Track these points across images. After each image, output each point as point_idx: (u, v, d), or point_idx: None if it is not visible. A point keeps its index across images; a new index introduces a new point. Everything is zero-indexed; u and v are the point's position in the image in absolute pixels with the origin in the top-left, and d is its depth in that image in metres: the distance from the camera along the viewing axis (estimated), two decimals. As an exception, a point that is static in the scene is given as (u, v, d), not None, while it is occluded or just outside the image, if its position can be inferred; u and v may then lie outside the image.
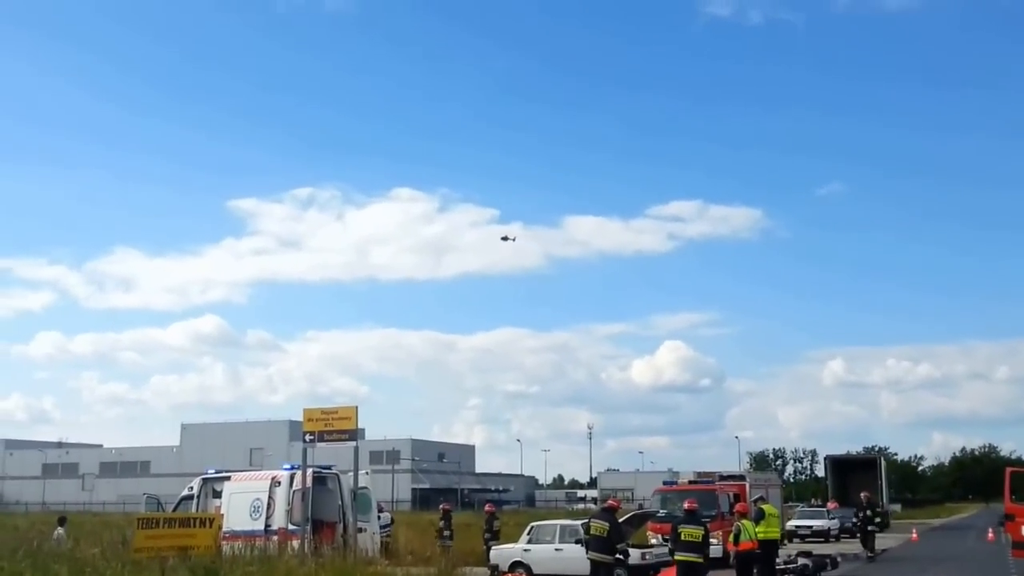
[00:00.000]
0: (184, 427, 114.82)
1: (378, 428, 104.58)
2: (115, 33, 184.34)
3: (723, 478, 31.94)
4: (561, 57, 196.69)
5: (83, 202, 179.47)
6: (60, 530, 24.42)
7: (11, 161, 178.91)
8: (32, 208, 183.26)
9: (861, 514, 32.55)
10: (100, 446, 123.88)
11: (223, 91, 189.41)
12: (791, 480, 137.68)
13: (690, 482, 31.87)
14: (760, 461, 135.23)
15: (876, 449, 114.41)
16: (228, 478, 24.41)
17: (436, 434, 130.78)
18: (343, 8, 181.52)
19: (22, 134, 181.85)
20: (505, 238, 74.29)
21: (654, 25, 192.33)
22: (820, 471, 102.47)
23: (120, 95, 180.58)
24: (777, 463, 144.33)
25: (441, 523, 29.35)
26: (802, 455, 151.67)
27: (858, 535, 33.54)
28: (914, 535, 42.42)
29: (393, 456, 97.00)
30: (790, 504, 61.39)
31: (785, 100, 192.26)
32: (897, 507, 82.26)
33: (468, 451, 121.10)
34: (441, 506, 31.67)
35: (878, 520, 34.42)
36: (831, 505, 46.80)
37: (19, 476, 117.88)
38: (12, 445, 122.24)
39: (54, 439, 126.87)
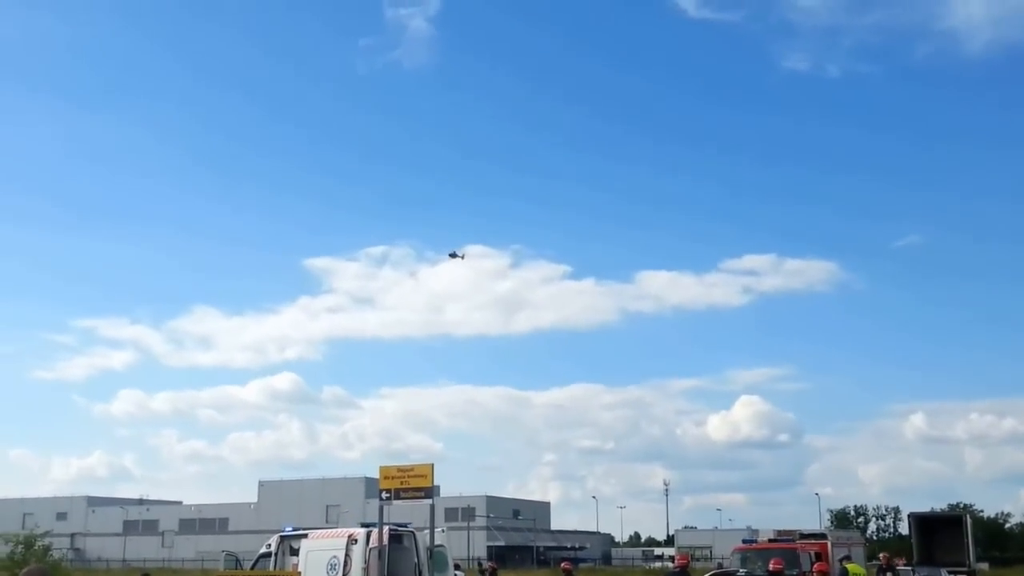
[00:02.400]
0: (261, 484, 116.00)
1: (453, 485, 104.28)
2: (195, 91, 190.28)
3: (804, 536, 31.26)
4: (630, 112, 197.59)
5: (163, 262, 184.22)
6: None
7: (94, 223, 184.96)
8: (114, 269, 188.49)
9: None
10: (179, 503, 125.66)
11: (298, 151, 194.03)
12: (874, 538, 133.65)
13: (770, 540, 31.27)
14: (841, 519, 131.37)
15: (961, 506, 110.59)
16: (305, 535, 24.58)
17: (511, 491, 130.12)
18: (421, 68, 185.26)
19: (105, 195, 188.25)
20: (454, 255, 69.85)
21: (729, 79, 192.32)
22: (904, 529, 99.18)
23: (200, 154, 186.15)
24: (859, 521, 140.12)
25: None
26: (884, 512, 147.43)
27: None
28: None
29: (468, 513, 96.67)
30: (873, 563, 59.45)
31: (861, 152, 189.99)
32: (985, 566, 79.39)
33: (543, 508, 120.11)
34: (487, 564, 31.40)
35: None
36: (899, 562, 45.33)
37: (101, 533, 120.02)
38: (94, 502, 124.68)
39: (135, 496, 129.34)
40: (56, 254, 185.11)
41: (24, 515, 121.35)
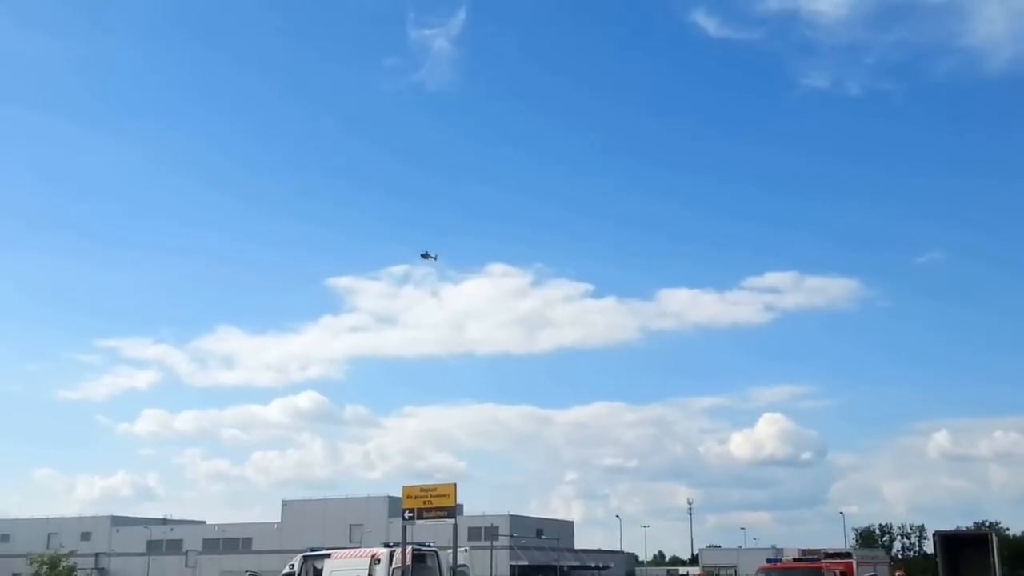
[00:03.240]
0: (285, 504, 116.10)
1: (476, 504, 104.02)
2: (216, 113, 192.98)
3: (828, 555, 31.09)
4: (650, 132, 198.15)
5: (186, 283, 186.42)
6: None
7: (118, 245, 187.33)
8: (138, 289, 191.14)
9: None
10: (203, 522, 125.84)
11: (320, 171, 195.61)
12: (899, 557, 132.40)
13: (794, 559, 31.06)
14: (866, 537, 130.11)
15: (987, 524, 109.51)
16: (328, 555, 24.70)
17: (534, 509, 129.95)
18: (444, 88, 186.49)
19: (128, 219, 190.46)
20: (426, 255, 68.32)
21: (749, 98, 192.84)
22: (929, 548, 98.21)
23: (221, 176, 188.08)
24: (884, 539, 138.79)
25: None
26: (910, 531, 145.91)
27: None
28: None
29: (491, 532, 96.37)
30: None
31: (881, 168, 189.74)
32: (1013, 586, 78.57)
33: (567, 527, 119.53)
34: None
35: None
36: None
37: (125, 552, 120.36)
38: (118, 522, 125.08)
39: (159, 515, 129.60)
40: (80, 276, 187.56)
41: (49, 535, 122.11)
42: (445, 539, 23.17)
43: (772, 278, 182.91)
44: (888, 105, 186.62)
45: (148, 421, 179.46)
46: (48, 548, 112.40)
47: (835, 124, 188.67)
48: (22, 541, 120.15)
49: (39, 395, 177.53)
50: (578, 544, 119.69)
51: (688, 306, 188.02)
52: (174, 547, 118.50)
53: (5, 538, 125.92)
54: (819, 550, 32.96)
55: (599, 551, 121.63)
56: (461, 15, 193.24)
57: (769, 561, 32.99)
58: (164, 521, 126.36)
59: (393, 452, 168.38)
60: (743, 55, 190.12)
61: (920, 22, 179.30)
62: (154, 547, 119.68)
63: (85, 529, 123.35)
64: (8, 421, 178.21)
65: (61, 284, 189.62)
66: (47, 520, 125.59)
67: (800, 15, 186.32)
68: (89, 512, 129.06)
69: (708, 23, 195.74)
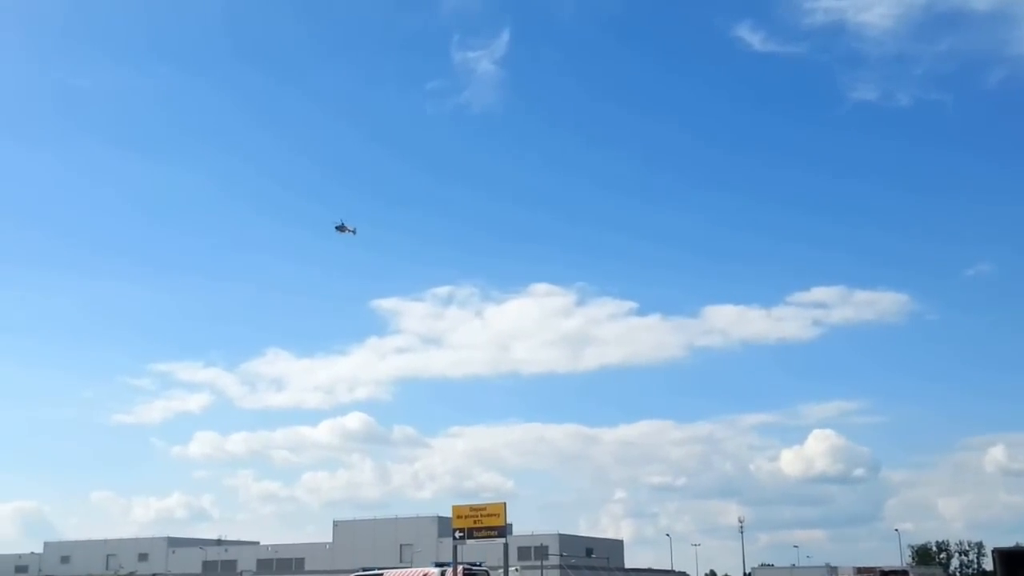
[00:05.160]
0: (336, 524, 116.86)
1: (524, 523, 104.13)
2: (262, 140, 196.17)
3: (884, 573, 30.70)
4: (694, 147, 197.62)
5: (235, 307, 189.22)
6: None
7: (168, 272, 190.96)
8: (189, 315, 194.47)
9: None
10: (256, 543, 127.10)
11: (364, 195, 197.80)
12: (957, 575, 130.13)
13: (849, 578, 30.72)
14: (923, 555, 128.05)
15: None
16: (381, 575, 24.94)
17: (583, 528, 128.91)
18: (488, 109, 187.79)
19: (178, 245, 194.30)
20: (341, 227, 65.93)
21: (796, 110, 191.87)
22: (988, 565, 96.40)
23: (266, 201, 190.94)
24: (941, 556, 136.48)
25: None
26: (967, 548, 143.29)
27: None
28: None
29: (541, 552, 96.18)
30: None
31: (929, 181, 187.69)
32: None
33: (616, 546, 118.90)
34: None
35: None
36: None
37: (181, 573, 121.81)
38: (175, 543, 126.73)
39: (213, 536, 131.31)
40: (133, 303, 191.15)
41: (108, 556, 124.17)
42: (494, 558, 23.35)
43: (819, 293, 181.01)
44: (938, 116, 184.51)
45: (201, 443, 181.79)
46: (107, 569, 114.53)
47: (884, 136, 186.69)
48: (82, 563, 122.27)
49: (95, 420, 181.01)
50: (628, 563, 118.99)
51: (734, 323, 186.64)
52: (229, 568, 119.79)
53: (66, 559, 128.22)
54: (874, 568, 32.58)
55: (650, 570, 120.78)
56: (505, 36, 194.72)
57: (823, 579, 32.63)
58: (219, 542, 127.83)
59: (441, 472, 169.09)
60: (789, 69, 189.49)
61: (969, 31, 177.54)
62: (209, 568, 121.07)
63: (143, 550, 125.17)
64: (66, 445, 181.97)
65: (115, 309, 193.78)
66: (106, 542, 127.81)
67: (847, 27, 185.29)
68: (146, 533, 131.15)
69: (752, 38, 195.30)
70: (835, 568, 71.44)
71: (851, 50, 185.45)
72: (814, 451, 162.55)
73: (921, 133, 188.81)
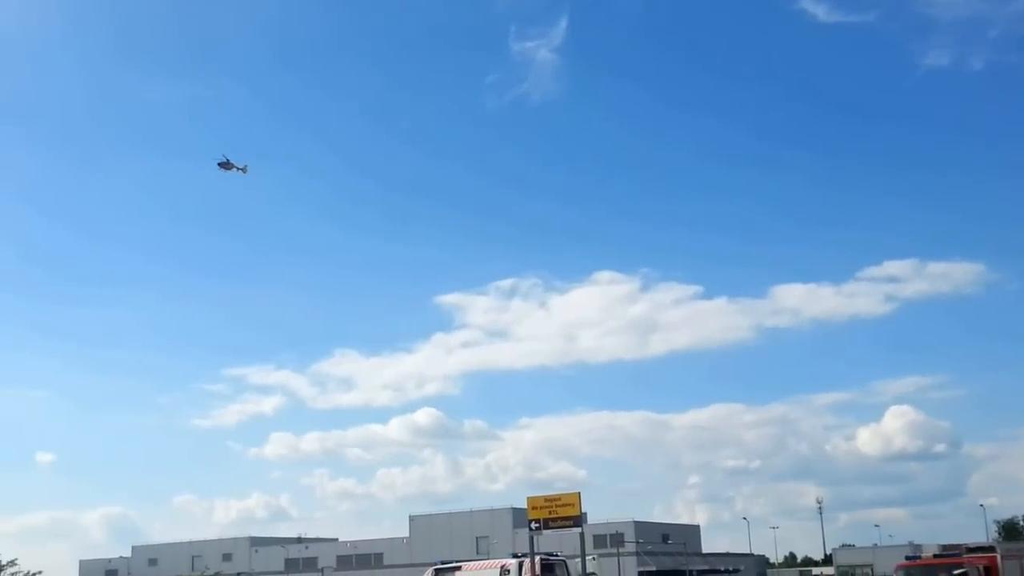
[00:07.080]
0: (412, 519, 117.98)
1: (598, 511, 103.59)
2: (322, 154, 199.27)
3: (970, 550, 29.91)
4: (761, 123, 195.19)
5: (303, 310, 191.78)
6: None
7: (239, 279, 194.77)
8: (260, 320, 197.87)
9: None
10: (335, 539, 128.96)
11: (420, 194, 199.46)
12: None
13: (935, 556, 30.03)
14: (1009, 530, 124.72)
15: None
16: (459, 568, 25.11)
17: (657, 515, 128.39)
18: (549, 98, 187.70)
19: (247, 253, 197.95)
20: (226, 164, 55.96)
21: (866, 82, 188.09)
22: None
23: (328, 210, 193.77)
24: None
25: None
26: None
27: None
28: None
29: (617, 539, 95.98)
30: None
31: (1002, 146, 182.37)
32: None
33: (693, 531, 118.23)
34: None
35: None
36: None
37: (265, 572, 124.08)
38: (256, 542, 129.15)
39: (293, 535, 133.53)
40: (206, 312, 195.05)
41: (193, 557, 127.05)
42: (570, 547, 23.33)
43: (891, 267, 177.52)
44: (1014, 78, 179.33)
45: (276, 444, 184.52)
46: (193, 570, 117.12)
47: (956, 103, 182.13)
48: (169, 565, 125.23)
49: (174, 425, 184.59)
50: (705, 548, 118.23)
51: (803, 301, 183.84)
52: (310, 564, 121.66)
53: (153, 562, 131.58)
54: (960, 545, 31.76)
55: (728, 554, 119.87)
56: (563, 23, 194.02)
57: (908, 559, 31.90)
58: (299, 540, 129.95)
59: (513, 464, 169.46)
60: (858, 38, 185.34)
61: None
62: (291, 565, 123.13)
63: (226, 550, 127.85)
64: (148, 452, 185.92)
65: (188, 317, 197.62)
66: (190, 544, 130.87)
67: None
68: (229, 534, 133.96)
69: (817, 9, 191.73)
70: (919, 546, 70.18)
71: (921, 16, 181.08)
72: (892, 428, 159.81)
73: (994, 99, 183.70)
